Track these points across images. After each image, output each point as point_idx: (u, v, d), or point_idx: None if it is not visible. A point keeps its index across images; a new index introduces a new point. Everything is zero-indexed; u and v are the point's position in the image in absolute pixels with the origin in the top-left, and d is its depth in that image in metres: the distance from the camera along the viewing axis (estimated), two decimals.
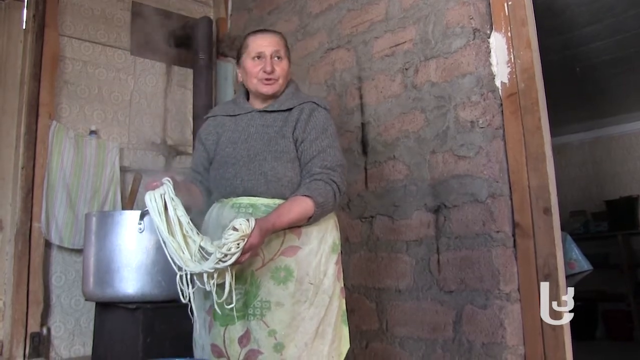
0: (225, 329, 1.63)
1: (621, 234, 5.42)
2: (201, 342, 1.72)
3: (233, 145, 1.76)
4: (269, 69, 1.75)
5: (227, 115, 1.85)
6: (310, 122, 1.73)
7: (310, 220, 1.64)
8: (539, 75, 2.03)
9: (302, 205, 1.61)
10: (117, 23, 3.27)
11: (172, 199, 1.53)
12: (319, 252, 1.68)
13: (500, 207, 2.01)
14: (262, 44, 1.78)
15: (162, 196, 1.54)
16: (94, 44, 3.16)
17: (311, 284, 1.64)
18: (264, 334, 1.59)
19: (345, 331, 1.75)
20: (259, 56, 1.77)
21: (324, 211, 1.65)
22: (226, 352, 1.62)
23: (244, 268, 1.62)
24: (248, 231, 1.45)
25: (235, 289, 1.56)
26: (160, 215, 1.52)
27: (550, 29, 3.52)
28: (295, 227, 1.65)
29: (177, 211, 1.52)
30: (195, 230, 1.52)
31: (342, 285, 1.77)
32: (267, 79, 1.76)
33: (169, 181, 1.56)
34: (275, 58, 1.77)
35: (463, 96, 2.17)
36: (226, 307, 1.54)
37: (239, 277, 1.61)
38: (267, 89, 1.77)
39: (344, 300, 1.76)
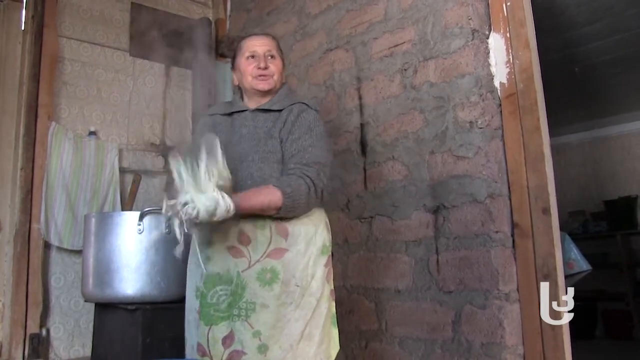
0: (210, 328, 1.64)
1: (620, 234, 5.42)
2: (191, 342, 1.73)
3: (225, 147, 1.76)
4: (263, 64, 1.79)
5: (223, 115, 1.88)
6: (297, 123, 1.75)
7: (281, 211, 1.62)
8: (538, 75, 2.03)
9: (269, 193, 1.60)
10: (116, 24, 3.27)
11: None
12: (306, 254, 1.68)
13: (499, 207, 2.01)
14: (255, 44, 1.84)
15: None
16: (92, 44, 3.16)
17: (297, 286, 1.64)
18: (249, 334, 1.60)
19: (334, 333, 1.76)
20: (253, 55, 1.82)
21: (295, 203, 1.62)
22: (209, 352, 1.63)
23: (230, 269, 1.64)
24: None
25: (220, 290, 1.60)
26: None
27: (549, 29, 3.52)
28: (281, 226, 1.66)
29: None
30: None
31: (332, 287, 1.78)
32: (261, 75, 1.79)
33: None
34: (269, 57, 1.82)
35: (462, 96, 2.17)
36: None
37: (225, 278, 1.64)
38: (263, 85, 1.80)
39: (333, 303, 1.77)
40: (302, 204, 1.65)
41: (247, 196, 1.57)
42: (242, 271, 1.64)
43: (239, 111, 1.84)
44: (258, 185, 1.66)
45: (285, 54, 1.96)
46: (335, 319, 1.77)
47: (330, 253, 1.78)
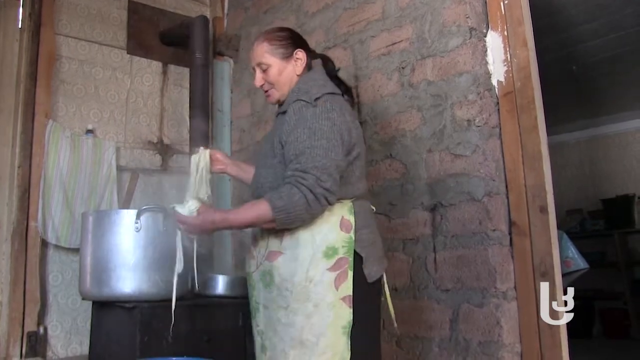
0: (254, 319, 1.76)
1: (617, 233, 5.45)
2: None
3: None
4: (258, 85, 1.79)
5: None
6: (293, 122, 1.62)
7: (277, 224, 1.54)
8: (535, 74, 2.03)
9: (258, 208, 1.54)
10: (114, 22, 3.26)
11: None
12: (299, 258, 1.57)
13: (496, 205, 2.01)
14: (250, 57, 1.82)
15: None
16: (90, 42, 3.15)
17: (288, 290, 1.57)
18: (256, 332, 1.70)
19: (344, 344, 1.55)
20: (253, 69, 1.81)
21: (291, 215, 1.51)
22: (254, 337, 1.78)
23: (249, 270, 1.75)
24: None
25: (250, 287, 1.75)
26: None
27: (546, 28, 3.52)
28: (279, 231, 1.60)
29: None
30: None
31: (348, 294, 1.56)
32: (265, 90, 1.80)
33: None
34: (260, 70, 1.76)
35: (459, 95, 2.17)
36: None
37: (248, 278, 1.77)
38: (268, 100, 1.81)
39: (347, 311, 1.55)
40: (301, 214, 1.52)
41: (237, 212, 1.62)
42: (252, 272, 1.71)
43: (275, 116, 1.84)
44: (257, 190, 1.70)
45: None
46: (349, 329, 1.55)
47: (341, 255, 1.57)
